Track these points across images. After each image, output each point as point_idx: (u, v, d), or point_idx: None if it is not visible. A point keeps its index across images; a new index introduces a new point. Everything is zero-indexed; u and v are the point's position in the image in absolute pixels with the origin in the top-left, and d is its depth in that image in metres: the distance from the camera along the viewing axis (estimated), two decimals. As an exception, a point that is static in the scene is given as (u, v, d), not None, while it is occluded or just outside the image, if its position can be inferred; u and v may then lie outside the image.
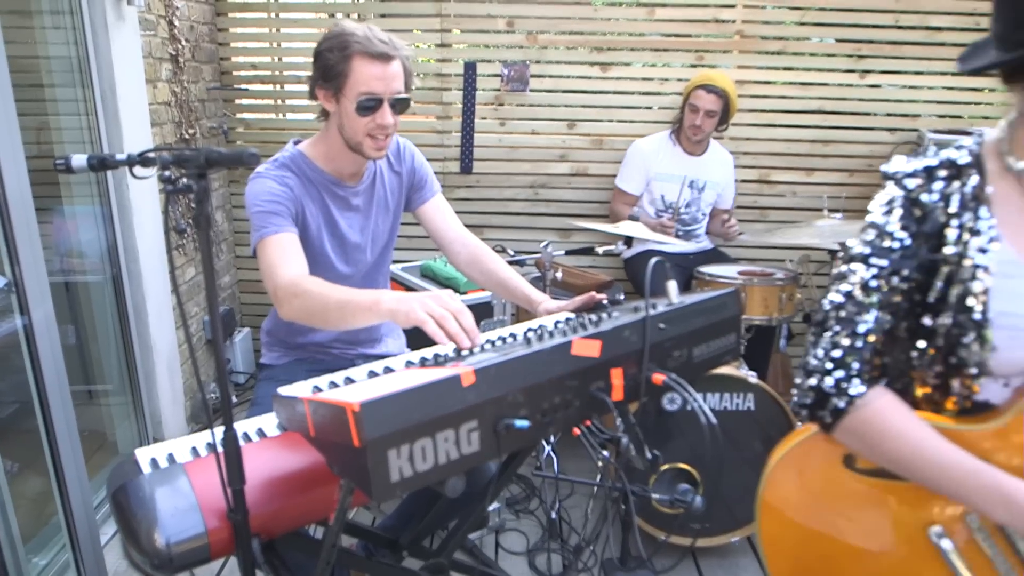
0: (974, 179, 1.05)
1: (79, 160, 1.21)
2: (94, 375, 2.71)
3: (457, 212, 1.98)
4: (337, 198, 1.77)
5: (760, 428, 2.25)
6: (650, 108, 3.58)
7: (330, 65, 1.60)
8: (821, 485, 1.14)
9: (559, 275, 2.70)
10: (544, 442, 2.56)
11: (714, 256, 3.28)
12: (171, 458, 1.25)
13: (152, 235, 2.73)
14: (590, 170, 3.63)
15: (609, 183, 3.43)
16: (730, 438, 2.24)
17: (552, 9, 3.43)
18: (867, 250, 1.09)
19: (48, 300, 1.81)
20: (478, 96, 3.53)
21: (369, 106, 1.61)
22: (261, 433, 1.34)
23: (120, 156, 1.20)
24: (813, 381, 1.08)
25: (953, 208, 1.05)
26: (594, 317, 1.35)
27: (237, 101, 3.63)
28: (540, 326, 1.35)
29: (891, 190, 1.10)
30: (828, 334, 1.09)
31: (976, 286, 1.02)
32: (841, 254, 1.16)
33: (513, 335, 1.34)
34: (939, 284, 1.06)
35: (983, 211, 1.04)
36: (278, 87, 3.65)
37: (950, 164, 1.07)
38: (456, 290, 2.31)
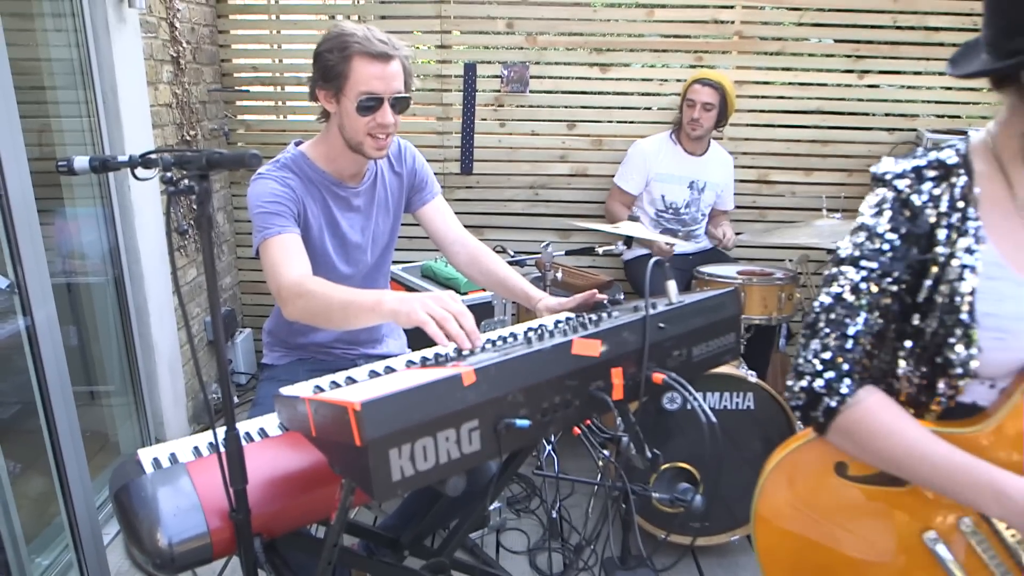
0: (962, 180, 1.06)
1: (81, 162, 1.22)
2: (96, 376, 2.72)
3: (457, 213, 1.98)
4: (338, 199, 1.77)
5: (760, 427, 2.25)
6: (649, 109, 3.58)
7: (330, 66, 1.61)
8: (814, 494, 1.13)
9: (559, 275, 2.71)
10: (545, 441, 2.57)
11: (714, 256, 3.28)
12: (173, 458, 1.26)
13: (153, 236, 2.73)
14: (590, 171, 3.63)
15: (608, 183, 3.44)
16: (730, 437, 2.25)
17: (552, 10, 3.44)
18: (857, 252, 1.10)
19: (50, 301, 1.81)
20: (478, 97, 3.54)
21: (369, 106, 1.62)
22: (263, 433, 1.34)
23: (122, 158, 1.21)
24: (804, 383, 1.08)
25: (943, 208, 1.06)
26: (594, 317, 1.35)
27: (238, 103, 3.64)
28: (540, 326, 1.35)
29: (881, 192, 1.11)
30: (818, 336, 1.09)
31: (963, 286, 1.03)
32: (831, 256, 1.16)
33: (513, 335, 1.35)
34: (927, 284, 1.06)
35: (970, 212, 1.05)
36: (279, 89, 3.66)
37: (939, 164, 1.07)
38: (457, 290, 2.32)
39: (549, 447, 2.61)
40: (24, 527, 1.94)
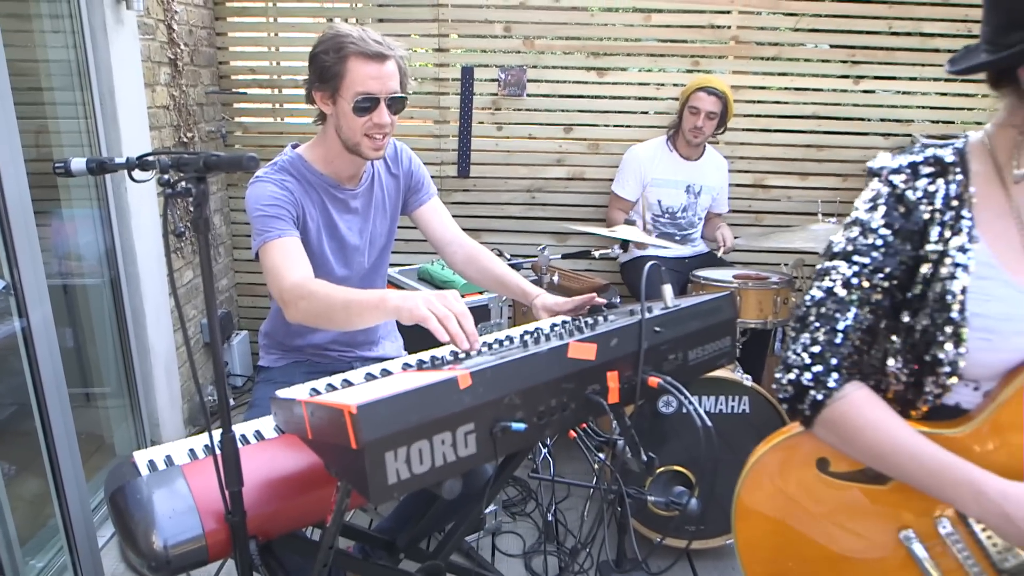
0: (958, 178, 1.06)
1: (78, 163, 1.22)
2: (92, 377, 2.71)
3: (454, 216, 1.99)
4: (336, 200, 1.78)
5: (755, 431, 2.25)
6: (646, 113, 3.59)
7: (326, 67, 1.62)
8: (795, 489, 1.14)
9: (556, 279, 2.71)
10: (540, 444, 2.57)
11: (710, 260, 3.29)
12: (169, 460, 1.26)
13: (150, 238, 2.73)
14: (586, 174, 3.64)
15: (605, 187, 3.45)
16: (725, 441, 2.25)
17: (549, 14, 3.45)
18: (850, 247, 1.10)
19: (46, 302, 1.81)
20: (475, 101, 3.54)
21: (366, 106, 1.62)
22: (259, 435, 1.34)
23: (119, 160, 1.21)
24: (792, 375, 1.09)
25: (937, 205, 1.06)
26: (590, 320, 1.36)
27: (235, 105, 3.64)
28: (536, 329, 1.36)
29: (876, 186, 1.11)
30: (808, 330, 1.10)
31: (955, 285, 1.03)
32: (823, 249, 1.17)
33: (510, 338, 1.35)
34: (919, 281, 1.06)
35: (964, 210, 1.05)
36: (276, 91, 3.66)
37: (936, 161, 1.07)
38: (453, 293, 2.32)
39: (545, 450, 2.61)
40: (18, 529, 1.93)
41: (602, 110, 3.59)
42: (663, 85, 3.54)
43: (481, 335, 1.33)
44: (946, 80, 3.49)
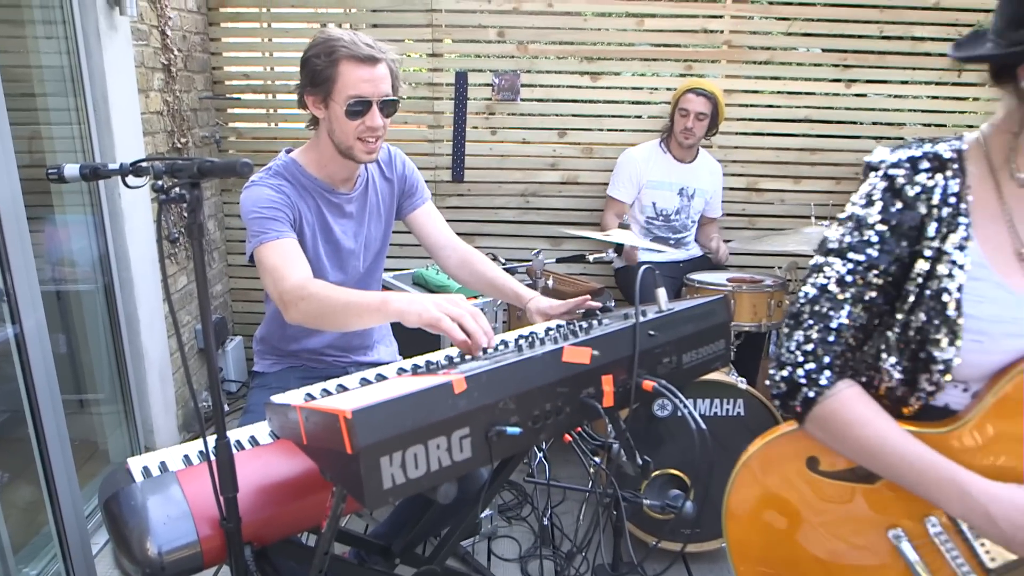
0: (956, 176, 1.06)
1: (72, 169, 1.22)
2: (86, 384, 2.70)
3: (449, 220, 1.99)
4: (331, 205, 1.78)
5: (750, 433, 2.23)
6: (639, 117, 3.60)
7: (318, 71, 1.62)
8: (786, 488, 1.15)
9: (550, 283, 2.72)
10: (536, 448, 2.57)
11: (704, 263, 3.30)
12: (163, 466, 1.25)
13: (144, 244, 2.73)
14: (580, 178, 3.65)
15: (599, 191, 3.46)
16: (720, 443, 2.25)
17: (542, 19, 3.46)
18: (845, 243, 1.09)
19: (40, 309, 1.81)
20: (469, 105, 3.55)
21: (358, 109, 1.63)
22: (254, 441, 1.34)
23: (113, 166, 1.21)
24: (785, 372, 1.09)
25: (935, 201, 1.05)
26: (584, 324, 1.36)
27: (229, 110, 3.64)
28: (531, 333, 1.36)
29: (873, 181, 1.10)
30: (802, 327, 1.10)
31: (952, 283, 1.03)
32: (817, 244, 1.17)
33: (504, 342, 1.35)
34: (915, 278, 1.06)
35: (962, 208, 1.05)
36: (270, 96, 3.66)
37: (934, 157, 1.07)
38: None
39: (540, 454, 2.62)
40: (12, 536, 1.92)
41: (596, 114, 3.60)
42: (656, 89, 3.56)
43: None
44: (937, 83, 3.52)
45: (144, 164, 1.15)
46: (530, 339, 1.26)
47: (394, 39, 3.43)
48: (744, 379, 2.31)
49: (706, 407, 2.25)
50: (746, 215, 3.70)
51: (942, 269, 1.04)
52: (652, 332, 1.25)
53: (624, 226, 2.95)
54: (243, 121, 3.69)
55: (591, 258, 2.67)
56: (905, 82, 3.52)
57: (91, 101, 2.48)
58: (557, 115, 3.60)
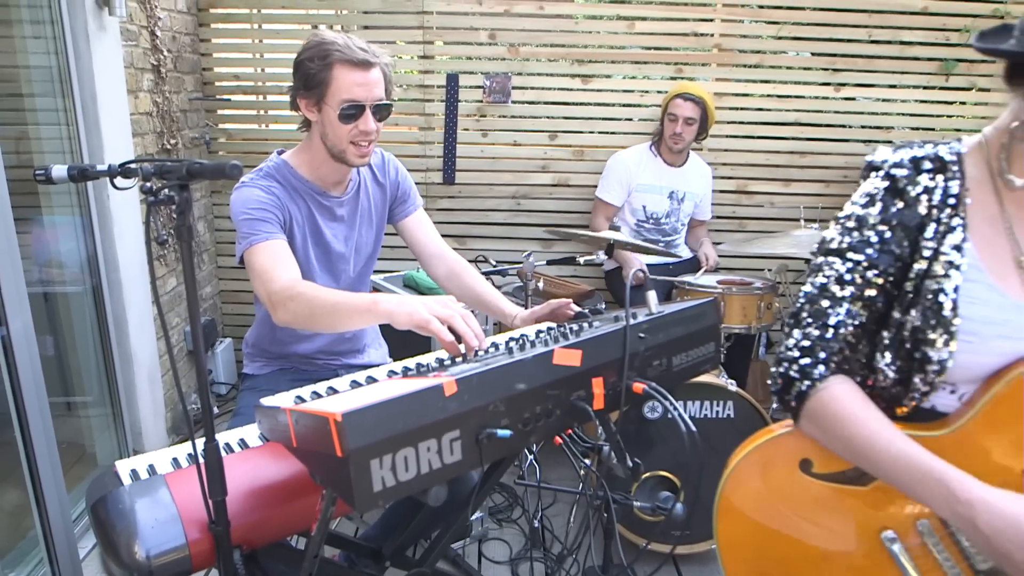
0: (956, 177, 1.07)
1: (59, 171, 1.21)
2: (73, 386, 2.68)
3: (440, 223, 1.99)
4: (322, 208, 1.77)
5: (740, 435, 2.23)
6: (630, 120, 3.62)
7: (311, 74, 1.62)
8: (778, 490, 1.15)
9: (540, 285, 2.72)
10: (527, 451, 2.57)
11: (694, 266, 3.32)
12: (151, 469, 1.24)
13: (133, 245, 2.71)
14: (571, 181, 3.66)
15: (590, 193, 3.46)
16: (710, 445, 2.24)
17: (534, 22, 3.47)
18: (845, 244, 1.10)
19: (27, 310, 1.79)
20: (460, 107, 3.55)
21: (351, 113, 1.62)
22: (243, 444, 1.34)
23: (101, 167, 1.20)
24: (782, 368, 1.11)
25: (935, 201, 1.06)
26: (575, 327, 1.36)
27: (219, 112, 3.63)
28: (522, 336, 1.36)
29: (875, 181, 1.10)
30: (800, 326, 1.11)
31: (949, 283, 1.04)
32: (817, 244, 1.18)
33: (495, 345, 1.35)
34: (912, 278, 1.07)
35: (960, 210, 1.06)
36: (261, 98, 3.65)
37: (936, 158, 1.08)
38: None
39: (531, 456, 2.61)
40: (-2, 541, 1.91)
41: (587, 117, 3.61)
42: (647, 92, 3.57)
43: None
44: (925, 87, 3.55)
45: (133, 166, 1.15)
46: (520, 342, 1.26)
47: (385, 41, 3.43)
48: (734, 381, 2.32)
49: (696, 409, 2.26)
50: (736, 218, 3.72)
51: (938, 269, 1.05)
52: (642, 335, 1.25)
53: (614, 229, 2.96)
54: (233, 122, 3.68)
55: (581, 260, 2.67)
56: (893, 86, 3.55)
57: (80, 102, 2.46)
58: (548, 117, 3.60)
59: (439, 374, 1.08)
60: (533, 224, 3.71)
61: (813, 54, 3.55)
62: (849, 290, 1.08)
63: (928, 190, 1.07)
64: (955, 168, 1.07)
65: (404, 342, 2.08)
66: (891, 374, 1.10)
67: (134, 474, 1.23)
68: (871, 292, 1.08)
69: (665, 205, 3.27)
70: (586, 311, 1.61)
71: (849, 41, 3.49)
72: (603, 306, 1.85)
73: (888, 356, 1.10)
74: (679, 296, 2.83)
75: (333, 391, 1.28)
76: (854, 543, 1.11)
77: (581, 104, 3.59)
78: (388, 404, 0.93)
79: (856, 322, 1.09)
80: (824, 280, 1.11)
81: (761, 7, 3.50)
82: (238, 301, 3.83)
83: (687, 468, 2.19)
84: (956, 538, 1.06)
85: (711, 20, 3.47)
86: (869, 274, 1.08)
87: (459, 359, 1.28)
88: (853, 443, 1.04)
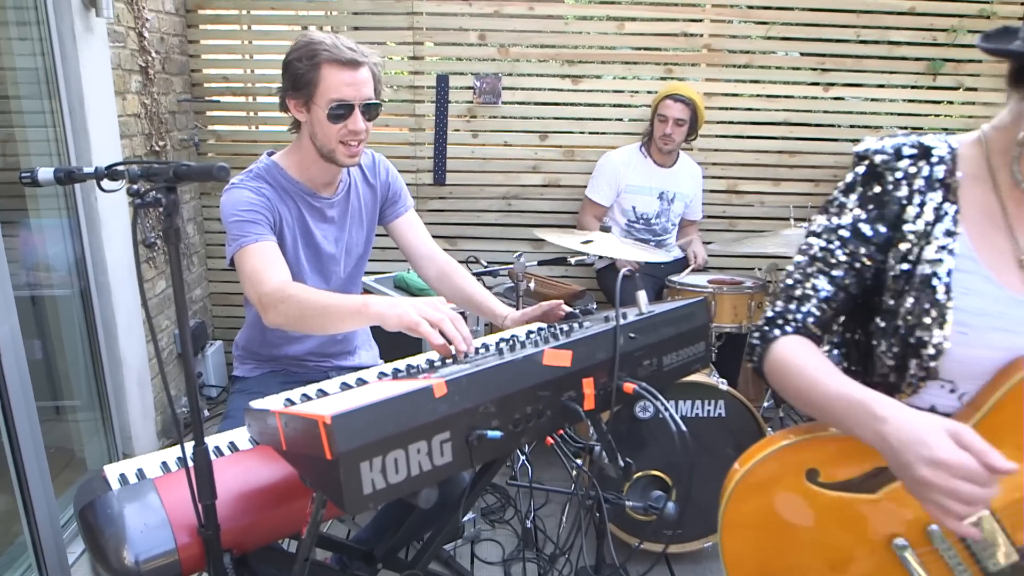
0: (942, 166, 1.08)
1: (46, 173, 1.20)
2: (62, 390, 2.66)
3: (430, 223, 1.98)
4: (313, 209, 1.77)
5: (731, 434, 2.28)
6: (621, 120, 3.62)
7: (300, 74, 1.61)
8: (785, 500, 1.13)
9: (532, 285, 2.72)
10: (518, 451, 2.57)
11: (684, 265, 3.32)
12: (140, 473, 1.24)
13: (121, 248, 2.69)
14: (562, 181, 3.66)
15: (581, 194, 3.47)
16: (702, 445, 2.27)
17: (524, 22, 3.47)
18: (823, 226, 1.16)
19: (13, 314, 1.78)
20: (451, 108, 3.55)
21: (340, 113, 1.62)
22: (233, 447, 1.33)
23: (87, 169, 1.19)
24: (752, 339, 1.19)
25: (917, 186, 1.08)
26: (565, 327, 1.36)
27: (209, 113, 3.61)
28: (512, 336, 1.36)
29: (857, 168, 1.14)
30: (774, 300, 1.19)
31: (941, 267, 1.05)
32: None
33: (485, 345, 1.35)
34: (902, 263, 1.08)
35: (950, 197, 1.07)
36: (250, 99, 3.64)
37: (919, 146, 1.10)
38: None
39: (523, 457, 2.61)
40: (-15, 547, 1.89)
41: (577, 117, 3.62)
42: (637, 92, 3.58)
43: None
44: (913, 87, 3.57)
45: (120, 168, 1.14)
46: (511, 343, 1.26)
47: (375, 42, 3.43)
48: (725, 380, 2.33)
49: (687, 408, 2.27)
50: (726, 217, 3.73)
51: (930, 253, 1.06)
52: (633, 335, 1.25)
53: (605, 229, 2.96)
54: (223, 124, 3.66)
55: (572, 260, 2.67)
56: (882, 85, 3.57)
57: (67, 104, 2.45)
58: (539, 118, 3.61)
59: (429, 376, 1.07)
60: (524, 225, 3.71)
61: (802, 54, 3.57)
62: (817, 265, 1.14)
63: (908, 175, 1.09)
64: (943, 156, 1.08)
65: (395, 344, 2.08)
66: (888, 361, 1.12)
67: (123, 478, 1.22)
68: (837, 271, 1.13)
69: (655, 206, 3.27)
70: (576, 311, 1.61)
71: (837, 41, 3.51)
72: (594, 306, 1.85)
73: (884, 344, 1.12)
74: (669, 296, 2.84)
75: (323, 393, 1.27)
76: (864, 553, 1.09)
77: (571, 104, 3.59)
78: (378, 406, 0.92)
79: (821, 296, 1.13)
80: (800, 259, 1.17)
81: (750, 7, 3.52)
82: (228, 303, 3.82)
83: (679, 467, 2.19)
84: (967, 543, 1.05)
85: (700, 20, 3.48)
86: (839, 253, 1.13)
87: (449, 360, 1.28)
88: (800, 390, 1.07)
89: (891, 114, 3.61)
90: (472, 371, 1.03)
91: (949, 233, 1.05)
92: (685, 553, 2.36)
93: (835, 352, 1.28)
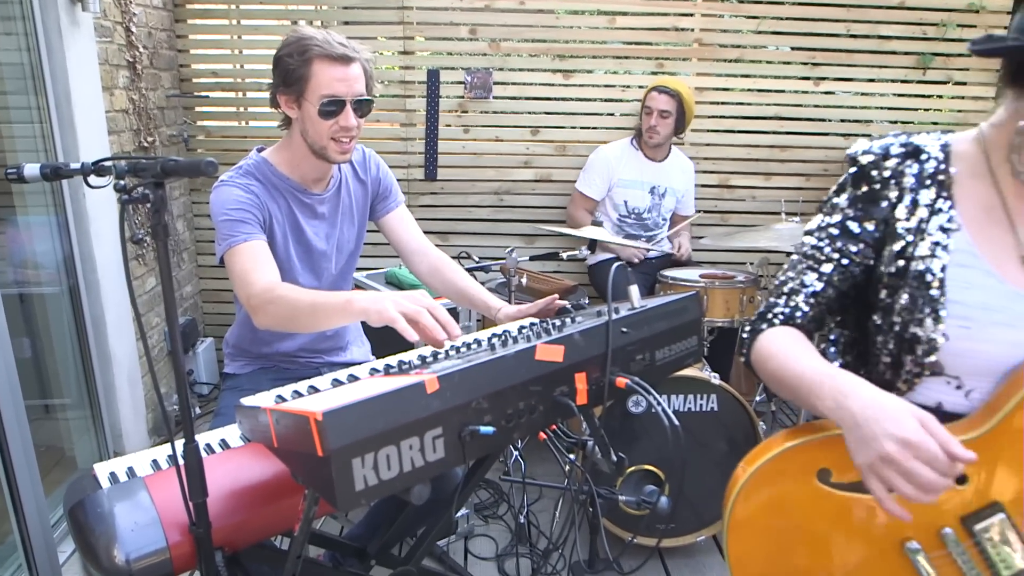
0: (933, 162, 1.09)
1: (32, 169, 1.19)
2: (51, 388, 2.64)
3: (422, 219, 1.98)
4: (303, 205, 1.76)
5: (723, 428, 2.28)
6: (612, 115, 3.62)
7: (290, 70, 1.60)
8: (794, 502, 1.10)
9: (524, 280, 2.72)
10: (511, 447, 2.57)
11: (676, 260, 3.33)
12: (131, 472, 1.23)
13: (110, 244, 2.67)
14: (553, 176, 3.65)
15: (572, 189, 3.46)
16: (694, 439, 2.27)
17: (514, 17, 3.46)
18: (816, 224, 1.19)
19: (0, 312, 1.76)
20: (442, 103, 3.54)
21: (331, 109, 1.61)
22: (224, 444, 1.32)
23: (74, 165, 1.18)
24: (743, 334, 1.22)
25: (907, 184, 1.09)
26: (557, 322, 1.36)
27: (198, 109, 3.58)
28: (504, 331, 1.36)
29: (850, 169, 1.16)
30: (767, 298, 1.21)
31: (935, 264, 1.05)
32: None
33: (477, 341, 1.35)
34: (897, 260, 1.09)
35: (944, 194, 1.07)
36: (240, 95, 3.61)
37: (907, 144, 1.12)
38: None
39: (516, 452, 2.62)
40: (-26, 547, 1.88)
41: (568, 112, 3.61)
42: (628, 87, 3.57)
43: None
44: (903, 81, 3.58)
45: (107, 164, 1.13)
46: (503, 337, 1.26)
47: (365, 37, 3.41)
48: (717, 375, 2.33)
49: (680, 403, 2.27)
50: (718, 212, 3.74)
51: (924, 250, 1.06)
52: (625, 329, 1.25)
53: (597, 223, 2.96)
54: (212, 119, 3.64)
55: (565, 256, 2.67)
56: (872, 80, 3.58)
57: (53, 99, 2.42)
58: (530, 113, 3.60)
59: (421, 371, 1.07)
60: (516, 220, 3.70)
61: (792, 48, 3.58)
62: (808, 263, 1.17)
63: (896, 174, 1.11)
64: (934, 154, 1.09)
65: (387, 339, 2.07)
66: (884, 358, 1.13)
67: (113, 477, 1.21)
68: (826, 267, 1.15)
69: (647, 200, 3.27)
70: (569, 306, 1.61)
71: (828, 36, 3.51)
72: (586, 301, 1.84)
73: (879, 339, 1.12)
74: (662, 290, 2.84)
75: (314, 390, 1.27)
76: (875, 555, 1.07)
77: (563, 99, 3.58)
78: (369, 402, 0.92)
79: (809, 291, 1.16)
80: (793, 257, 1.21)
81: (741, 2, 3.52)
82: (219, 300, 3.80)
83: (671, 462, 2.19)
84: (982, 547, 1.04)
85: (691, 15, 3.48)
86: (827, 250, 1.15)
87: (441, 355, 1.27)
88: (775, 371, 1.10)
89: (881, 108, 3.63)
90: (464, 367, 1.03)
91: (944, 229, 1.06)
92: (678, 547, 2.37)
93: (832, 350, 1.29)
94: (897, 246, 1.09)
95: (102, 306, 2.64)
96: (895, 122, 3.64)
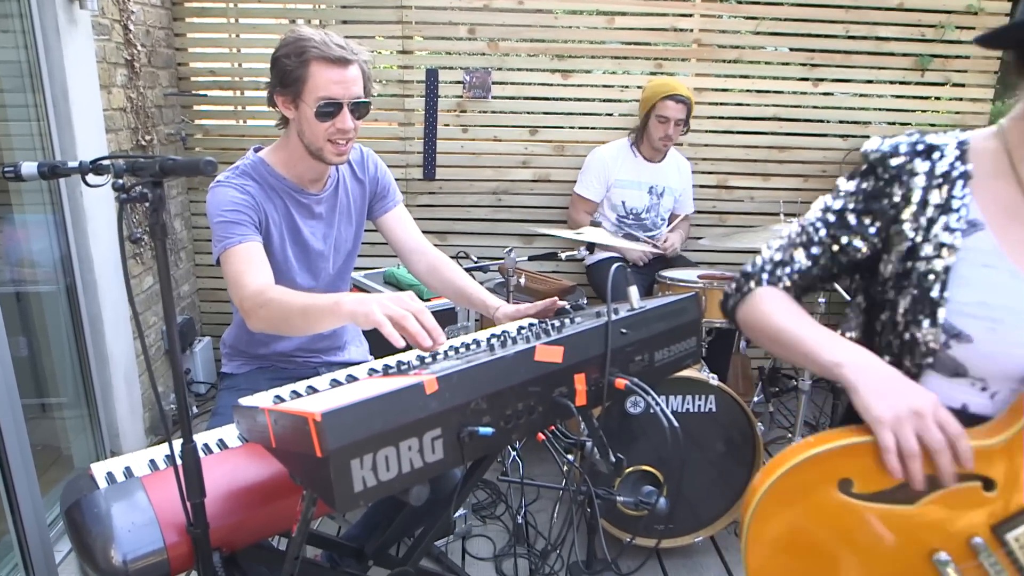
0: (948, 160, 1.07)
1: (29, 168, 1.19)
2: (48, 387, 2.63)
3: (420, 219, 1.97)
4: (300, 205, 1.75)
5: (722, 429, 2.28)
6: (611, 115, 3.62)
7: (288, 71, 1.59)
8: (816, 514, 1.05)
9: (522, 281, 2.72)
10: (510, 447, 2.57)
11: (675, 261, 3.33)
12: (128, 472, 1.22)
13: (108, 243, 2.67)
14: (552, 176, 3.65)
15: (571, 188, 3.46)
16: (693, 440, 2.27)
17: (513, 17, 3.45)
18: (822, 204, 1.20)
19: (-3, 312, 1.75)
20: (440, 103, 3.53)
21: (328, 111, 1.61)
22: (222, 444, 1.32)
23: (72, 163, 1.18)
24: (726, 289, 1.26)
25: (918, 183, 1.07)
26: (556, 323, 1.36)
27: (196, 107, 3.57)
28: (503, 332, 1.35)
29: (862, 163, 1.16)
30: (757, 258, 1.25)
31: (937, 264, 1.04)
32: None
33: (476, 341, 1.34)
34: (902, 259, 1.08)
35: (957, 192, 1.05)
36: (238, 93, 3.61)
37: (919, 143, 1.10)
38: (419, 296, 2.30)
39: (514, 453, 2.61)
40: (-30, 547, 1.87)
41: (567, 112, 3.61)
42: (627, 87, 3.57)
43: (448, 338, 1.32)
44: (901, 83, 3.59)
45: (105, 162, 1.13)
46: (502, 338, 1.25)
47: (364, 36, 3.41)
48: (715, 375, 2.33)
49: (678, 404, 2.27)
50: (716, 212, 3.74)
51: (928, 250, 1.05)
52: (624, 330, 1.25)
53: (596, 224, 2.96)
54: (210, 118, 3.63)
55: (563, 256, 2.67)
56: (870, 81, 3.59)
57: (50, 97, 2.42)
58: (528, 113, 3.60)
59: (420, 372, 1.07)
60: (514, 220, 3.70)
61: (791, 49, 3.58)
62: (802, 239, 1.19)
63: (903, 171, 1.09)
64: (949, 152, 1.07)
65: (383, 339, 2.07)
66: (887, 357, 1.11)
67: (110, 477, 1.21)
68: (815, 248, 1.17)
69: (645, 200, 3.27)
70: (568, 307, 1.61)
71: (827, 36, 3.52)
72: (585, 301, 1.84)
73: (887, 337, 1.12)
74: (660, 291, 2.84)
75: (313, 390, 1.26)
76: (902, 568, 1.02)
77: (561, 99, 3.58)
78: (368, 403, 0.92)
79: (796, 267, 1.18)
80: (794, 228, 1.22)
81: (740, 3, 3.52)
82: (216, 299, 3.79)
83: (670, 462, 2.19)
84: (1014, 556, 1.00)
85: (690, 15, 3.48)
86: (821, 232, 1.17)
87: (440, 356, 1.27)
88: (767, 333, 1.13)
89: (879, 109, 3.63)
90: (463, 367, 1.02)
91: (952, 230, 1.04)
92: (676, 548, 2.37)
93: None
94: (904, 246, 1.08)
95: (99, 305, 2.63)
96: (893, 123, 3.64)
